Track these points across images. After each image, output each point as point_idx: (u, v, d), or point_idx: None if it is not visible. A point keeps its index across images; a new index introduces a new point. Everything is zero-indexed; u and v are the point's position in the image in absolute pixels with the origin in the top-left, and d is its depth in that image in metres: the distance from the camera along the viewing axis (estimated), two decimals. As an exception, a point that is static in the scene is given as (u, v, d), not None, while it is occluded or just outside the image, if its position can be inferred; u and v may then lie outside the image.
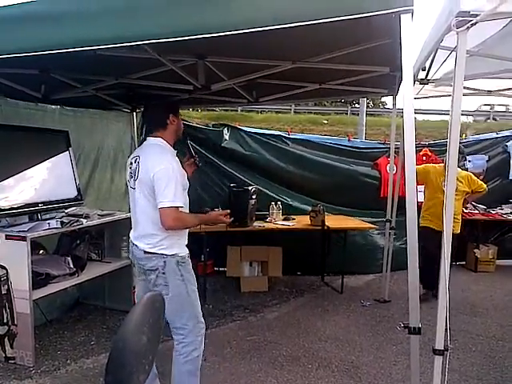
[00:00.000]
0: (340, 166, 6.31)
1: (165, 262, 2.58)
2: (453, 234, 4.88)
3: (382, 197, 6.12)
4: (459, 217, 5.01)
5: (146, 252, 2.61)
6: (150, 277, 2.63)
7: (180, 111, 2.88)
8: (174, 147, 2.79)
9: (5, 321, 3.36)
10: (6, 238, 3.28)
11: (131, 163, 2.72)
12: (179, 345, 2.66)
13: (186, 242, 2.76)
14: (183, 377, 2.67)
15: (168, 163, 2.54)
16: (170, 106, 2.80)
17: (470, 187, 5.11)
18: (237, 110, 15.79)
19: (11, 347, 3.38)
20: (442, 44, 2.57)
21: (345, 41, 2.95)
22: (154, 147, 2.67)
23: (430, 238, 4.13)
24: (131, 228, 2.80)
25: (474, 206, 6.48)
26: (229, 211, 2.94)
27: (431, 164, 5.45)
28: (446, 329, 2.08)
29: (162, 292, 2.50)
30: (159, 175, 2.50)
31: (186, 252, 2.69)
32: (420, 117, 17.02)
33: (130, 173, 2.71)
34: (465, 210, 6.29)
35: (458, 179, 4.94)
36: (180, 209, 2.55)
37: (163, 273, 2.58)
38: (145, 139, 2.80)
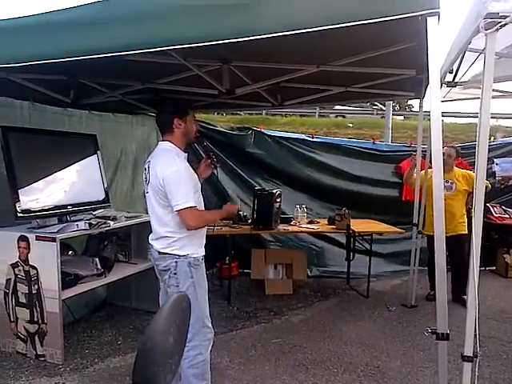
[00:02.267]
0: (364, 169, 6.31)
1: (176, 262, 2.63)
2: (460, 235, 4.80)
3: (404, 200, 6.10)
4: (464, 218, 4.85)
5: (160, 252, 2.68)
6: (164, 277, 2.70)
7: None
8: (186, 149, 2.79)
9: (35, 319, 3.45)
10: (37, 239, 3.37)
11: (145, 169, 2.76)
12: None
13: (204, 242, 2.79)
14: (188, 380, 2.65)
15: (176, 166, 2.57)
16: (174, 109, 2.74)
17: (470, 186, 4.76)
18: (261, 114, 15.79)
19: (41, 345, 3.47)
20: (470, 46, 2.53)
21: (370, 44, 2.93)
22: (163, 151, 2.70)
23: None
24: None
25: (504, 210, 6.32)
26: (238, 206, 3.17)
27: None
28: (476, 335, 2.04)
29: (173, 292, 2.54)
30: (168, 179, 2.53)
31: (199, 254, 2.72)
32: (447, 119, 16.72)
33: (144, 178, 2.75)
34: (495, 214, 6.14)
35: (455, 178, 4.83)
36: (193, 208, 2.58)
37: (175, 273, 2.63)
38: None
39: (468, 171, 5.04)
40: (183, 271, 2.63)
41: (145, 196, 2.83)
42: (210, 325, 2.75)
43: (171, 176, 2.54)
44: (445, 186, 4.78)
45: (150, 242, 2.79)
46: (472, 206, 2.03)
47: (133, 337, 3.99)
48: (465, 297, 4.43)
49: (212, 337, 2.77)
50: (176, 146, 2.71)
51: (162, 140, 2.77)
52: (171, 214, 2.60)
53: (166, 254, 2.65)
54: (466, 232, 4.69)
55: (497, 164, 6.40)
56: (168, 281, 2.67)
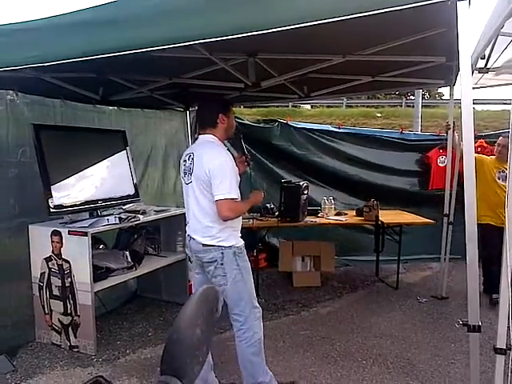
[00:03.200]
0: (391, 159, 6.29)
1: (223, 253, 2.68)
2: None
3: (430, 189, 6.00)
4: None
5: (204, 245, 2.71)
6: (209, 268, 2.74)
7: (233, 109, 2.94)
8: (224, 144, 2.85)
9: (69, 311, 3.55)
10: (69, 234, 3.45)
11: (185, 161, 2.82)
12: (239, 331, 2.77)
13: (240, 234, 2.84)
14: (248, 359, 2.78)
15: (222, 157, 2.63)
16: (219, 105, 2.85)
17: None
18: (288, 106, 15.73)
19: (75, 336, 3.56)
20: (502, 30, 2.45)
21: (398, 31, 2.87)
22: (207, 143, 2.76)
23: (490, 236, 3.97)
24: (186, 223, 2.89)
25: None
26: (262, 194, 3.07)
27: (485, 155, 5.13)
28: (509, 327, 1.99)
29: (221, 282, 2.68)
30: (215, 170, 2.59)
31: (241, 243, 2.79)
32: (479, 107, 16.28)
33: (184, 170, 2.81)
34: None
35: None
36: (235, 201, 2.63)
37: (221, 264, 2.68)
38: (197, 137, 2.91)
39: None
40: (229, 261, 2.69)
41: (182, 187, 2.88)
42: (257, 304, 2.84)
43: (217, 166, 2.60)
44: (501, 177, 4.66)
45: (190, 234, 2.81)
46: None
47: (163, 328, 4.05)
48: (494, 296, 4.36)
49: (261, 315, 2.85)
50: (218, 139, 2.79)
51: (203, 133, 2.82)
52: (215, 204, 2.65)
53: (212, 246, 2.69)
54: None
55: None
56: (214, 271, 2.72)
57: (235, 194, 2.62)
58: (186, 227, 2.89)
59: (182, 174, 2.87)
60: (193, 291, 2.98)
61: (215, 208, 2.63)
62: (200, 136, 2.86)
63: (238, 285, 2.72)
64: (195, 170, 2.69)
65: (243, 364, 2.81)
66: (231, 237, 2.73)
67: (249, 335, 2.75)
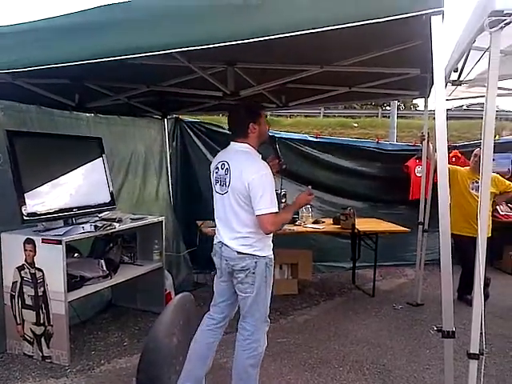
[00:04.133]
0: (368, 168, 6.45)
1: (256, 262, 2.68)
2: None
3: (411, 199, 6.09)
4: (489, 220, 4.76)
5: (239, 253, 2.69)
6: (239, 275, 2.72)
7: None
8: (258, 151, 2.83)
9: (41, 321, 3.47)
10: (43, 242, 3.38)
11: (217, 168, 2.78)
12: (245, 341, 2.76)
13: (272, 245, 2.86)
14: (245, 369, 2.77)
15: (262, 171, 2.61)
16: (248, 114, 2.77)
17: (497, 188, 4.84)
18: (266, 116, 15.82)
19: (47, 347, 3.48)
20: (474, 44, 2.52)
21: (374, 43, 2.93)
22: (243, 154, 2.72)
23: (468, 247, 4.07)
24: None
25: (510, 208, 6.28)
26: (310, 187, 3.04)
27: (459, 166, 5.23)
28: (482, 332, 2.04)
29: (247, 290, 2.70)
30: (254, 184, 2.56)
31: (273, 255, 2.80)
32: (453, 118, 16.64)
33: (216, 178, 2.78)
34: (501, 212, 6.11)
35: None
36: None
37: (253, 273, 2.68)
38: (228, 143, 2.85)
39: (495, 174, 4.87)
40: (260, 271, 2.69)
41: (212, 195, 2.85)
42: (268, 319, 2.84)
43: (257, 181, 2.57)
44: (474, 187, 4.74)
45: (223, 241, 2.77)
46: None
47: (139, 338, 3.99)
48: (469, 296, 4.46)
49: (267, 329, 2.85)
50: (253, 148, 2.77)
51: (237, 141, 2.78)
52: (254, 216, 2.63)
53: (247, 254, 2.68)
54: (490, 235, 4.49)
55: (493, 160, 6.33)
56: (243, 279, 2.70)
57: (276, 207, 2.62)
58: (216, 233, 2.87)
59: (213, 182, 2.83)
60: (214, 299, 2.94)
61: (254, 219, 2.63)
62: (233, 143, 2.80)
63: (261, 296, 2.73)
64: (232, 182, 2.65)
65: (239, 375, 2.78)
66: (266, 247, 2.75)
67: (253, 346, 2.75)
